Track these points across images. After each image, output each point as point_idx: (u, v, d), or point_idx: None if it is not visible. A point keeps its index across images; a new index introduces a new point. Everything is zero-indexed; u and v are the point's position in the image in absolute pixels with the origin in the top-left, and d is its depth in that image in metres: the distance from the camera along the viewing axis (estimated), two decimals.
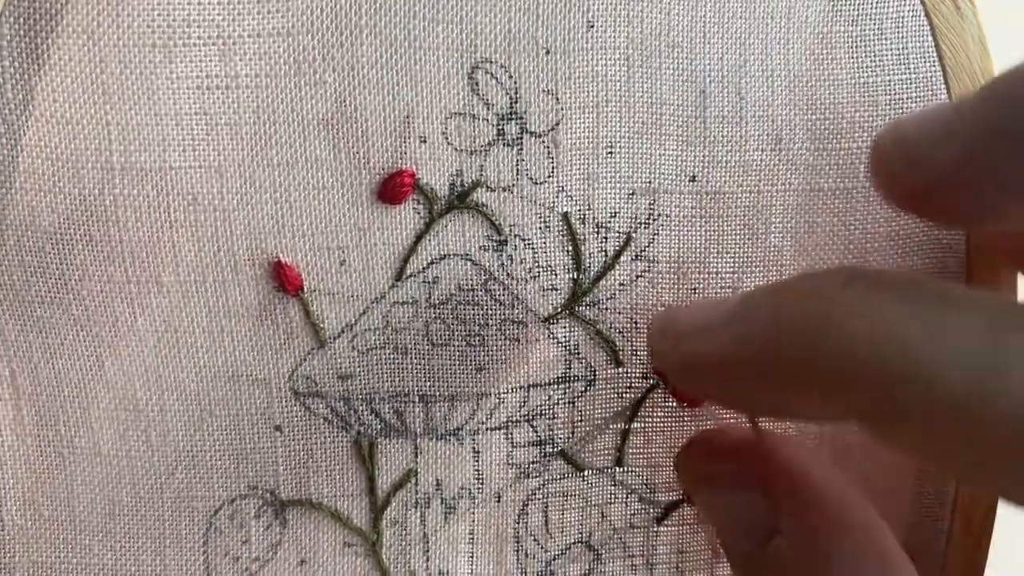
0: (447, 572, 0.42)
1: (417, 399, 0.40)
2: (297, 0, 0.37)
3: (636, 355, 0.41)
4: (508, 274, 0.40)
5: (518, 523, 0.42)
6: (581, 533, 0.43)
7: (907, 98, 0.40)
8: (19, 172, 0.37)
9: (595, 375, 0.41)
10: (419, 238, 0.39)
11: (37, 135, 0.37)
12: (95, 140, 0.37)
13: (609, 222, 0.40)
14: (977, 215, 0.30)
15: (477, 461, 0.41)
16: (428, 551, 0.42)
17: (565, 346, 0.41)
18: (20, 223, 0.37)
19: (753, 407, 0.35)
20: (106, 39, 0.36)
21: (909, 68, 0.40)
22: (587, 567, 0.43)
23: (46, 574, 0.41)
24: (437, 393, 0.40)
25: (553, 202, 0.40)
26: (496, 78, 0.38)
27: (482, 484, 0.42)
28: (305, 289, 0.39)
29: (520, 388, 0.41)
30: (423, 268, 0.39)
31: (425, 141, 0.38)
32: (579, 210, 0.40)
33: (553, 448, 0.42)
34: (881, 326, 0.27)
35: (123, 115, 0.37)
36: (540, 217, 0.40)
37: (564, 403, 0.41)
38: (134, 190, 0.37)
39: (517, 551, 0.42)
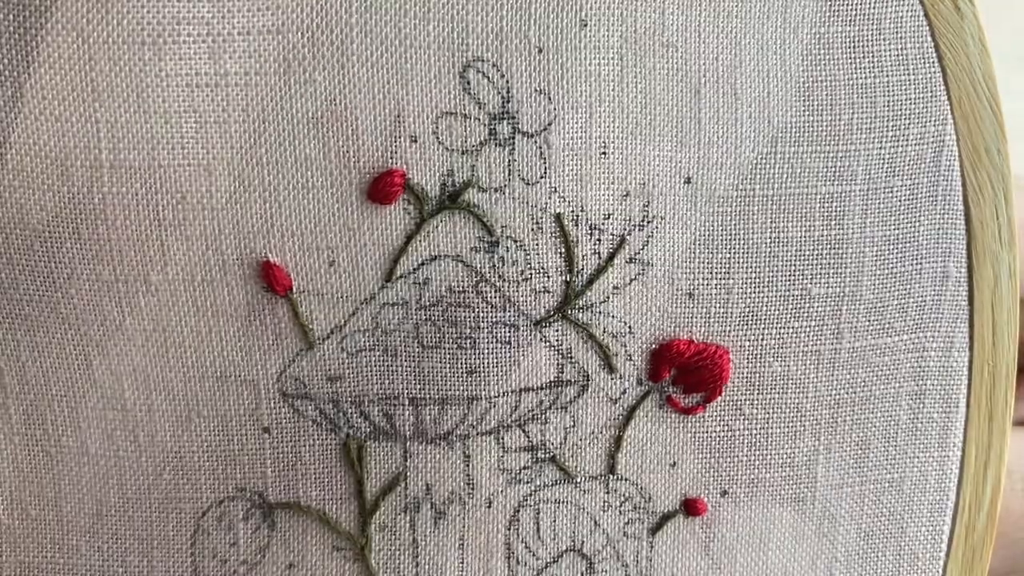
0: None
1: (407, 402, 0.40)
2: None
3: (631, 360, 0.41)
4: (500, 276, 0.39)
5: (509, 530, 0.42)
6: (573, 541, 0.42)
7: (906, 99, 0.39)
8: (7, 170, 0.37)
9: (588, 380, 0.41)
10: (409, 239, 0.39)
11: (26, 132, 0.37)
12: (84, 138, 0.37)
13: (603, 224, 0.39)
14: None
15: (468, 466, 0.41)
16: (417, 557, 0.41)
17: (557, 350, 0.40)
18: (8, 221, 0.37)
19: None
20: (95, 36, 0.36)
21: (908, 69, 0.39)
22: None
23: (33, 574, 0.40)
24: (427, 396, 0.40)
25: (546, 203, 0.39)
26: (488, 77, 0.38)
27: (473, 489, 0.41)
28: (294, 289, 0.39)
29: (512, 392, 0.40)
30: (413, 269, 0.39)
31: (416, 140, 0.38)
32: (572, 211, 0.39)
33: (545, 454, 0.41)
34: None
35: (112, 113, 0.37)
36: (532, 218, 0.39)
37: (556, 408, 0.41)
38: (123, 188, 0.37)
39: (508, 558, 0.42)
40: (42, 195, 0.37)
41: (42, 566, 0.40)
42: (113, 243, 0.38)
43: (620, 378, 0.41)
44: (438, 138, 0.38)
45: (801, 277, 0.40)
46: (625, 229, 0.40)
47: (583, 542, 0.42)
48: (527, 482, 0.41)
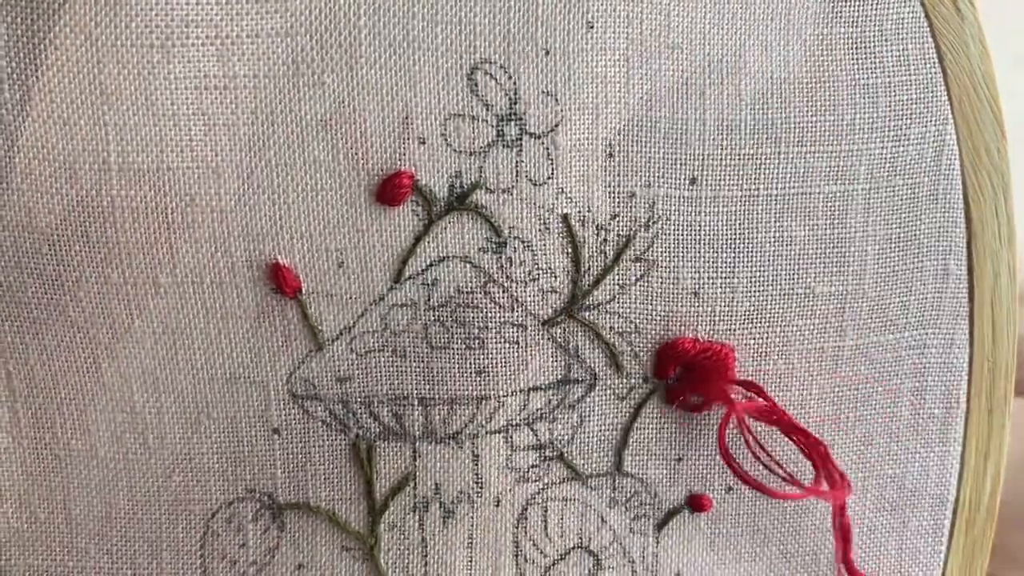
0: None
1: (416, 402, 0.40)
2: (296, 1, 0.37)
3: (637, 359, 0.41)
4: (507, 276, 0.40)
5: (517, 528, 0.42)
6: (581, 538, 0.42)
7: (907, 99, 0.40)
8: (16, 173, 0.37)
9: (595, 379, 0.41)
10: (418, 240, 0.39)
11: (34, 136, 0.36)
12: (92, 141, 0.37)
13: (609, 224, 0.40)
14: None
15: (476, 465, 0.41)
16: (426, 556, 0.42)
17: (565, 349, 0.41)
18: (16, 224, 0.37)
19: None
20: (104, 39, 0.36)
21: (909, 69, 0.39)
22: (587, 572, 0.43)
23: None
24: (436, 396, 0.40)
25: (553, 204, 0.39)
26: (495, 79, 0.38)
27: (481, 488, 0.41)
28: (303, 291, 0.39)
29: (520, 392, 0.40)
30: (422, 270, 0.39)
31: (424, 142, 0.38)
32: (579, 212, 0.40)
33: (553, 452, 0.41)
34: None
35: (120, 116, 0.37)
36: (540, 219, 0.39)
37: (564, 407, 0.41)
38: (131, 191, 0.37)
39: (516, 556, 0.42)
40: (50, 198, 0.37)
41: (51, 569, 0.40)
42: (122, 246, 0.38)
43: (627, 376, 0.41)
44: (446, 139, 0.38)
45: (804, 275, 0.41)
46: (631, 229, 0.40)
47: (590, 539, 0.42)
48: (535, 480, 0.41)
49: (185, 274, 0.38)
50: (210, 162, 0.38)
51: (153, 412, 0.39)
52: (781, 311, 0.41)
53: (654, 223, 0.40)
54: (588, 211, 0.40)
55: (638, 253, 0.40)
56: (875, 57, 0.39)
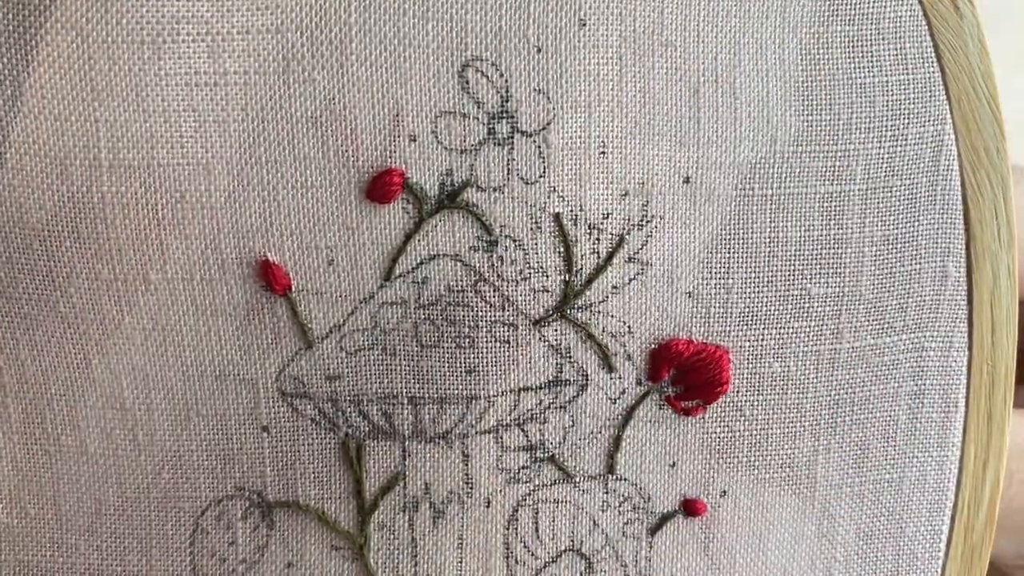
0: None
1: (406, 401, 0.40)
2: None
3: (629, 360, 0.41)
4: (498, 275, 0.39)
5: (508, 529, 0.42)
6: (572, 541, 0.42)
7: (905, 99, 0.39)
8: (7, 168, 0.37)
9: (587, 380, 0.41)
10: (408, 238, 0.39)
11: (25, 131, 0.37)
12: (83, 137, 0.37)
13: (602, 223, 0.39)
14: None
15: (466, 465, 0.41)
16: (416, 556, 0.41)
17: (556, 349, 0.40)
18: (7, 220, 0.37)
19: None
20: (95, 35, 0.36)
21: (907, 68, 0.39)
22: None
23: (32, 573, 0.40)
24: (426, 395, 0.40)
25: (544, 202, 0.39)
26: (487, 76, 0.38)
27: (471, 489, 0.41)
28: (293, 288, 0.39)
29: (510, 391, 0.40)
30: (412, 268, 0.39)
31: (415, 140, 0.38)
32: (571, 211, 0.39)
33: (544, 453, 0.41)
34: None
35: (111, 112, 0.37)
36: (531, 218, 0.39)
37: (555, 408, 0.41)
38: (122, 187, 0.37)
39: (506, 558, 0.42)
40: (41, 194, 0.37)
41: (41, 565, 0.40)
42: (112, 242, 0.38)
43: (619, 378, 0.41)
44: (437, 137, 0.38)
45: (801, 277, 0.40)
46: (624, 228, 0.40)
47: (582, 542, 0.42)
48: (526, 482, 0.41)
49: (175, 271, 0.38)
50: (200, 159, 0.38)
51: (143, 409, 0.39)
52: (777, 313, 0.41)
53: (648, 222, 0.40)
54: (580, 210, 0.39)
55: (631, 253, 0.40)
56: (872, 56, 0.39)
